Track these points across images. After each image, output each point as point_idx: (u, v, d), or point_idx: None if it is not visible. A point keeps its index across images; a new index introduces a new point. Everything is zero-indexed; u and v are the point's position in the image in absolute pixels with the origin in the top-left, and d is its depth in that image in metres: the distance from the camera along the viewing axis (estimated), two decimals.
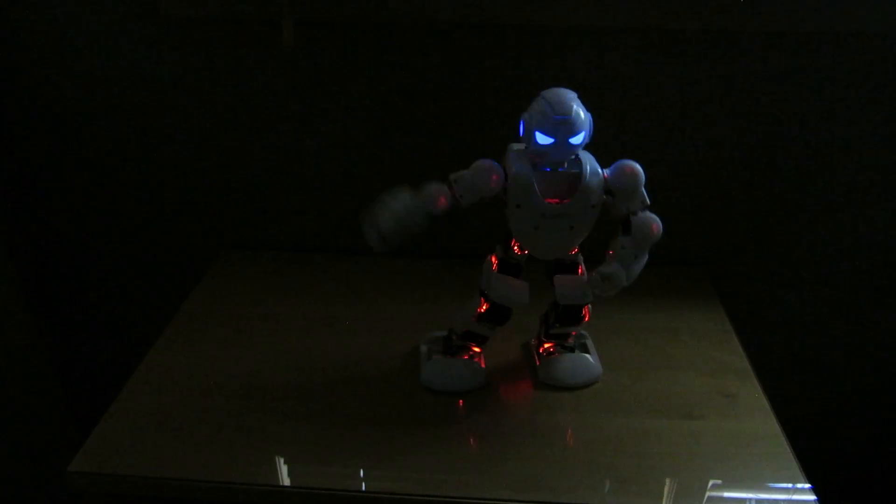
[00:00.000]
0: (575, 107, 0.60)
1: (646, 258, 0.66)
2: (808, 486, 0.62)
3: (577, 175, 0.63)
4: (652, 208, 0.64)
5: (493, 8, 0.79)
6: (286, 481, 0.63)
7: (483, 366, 0.74)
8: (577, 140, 0.61)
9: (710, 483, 0.63)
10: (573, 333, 0.75)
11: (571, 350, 0.75)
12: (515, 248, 0.68)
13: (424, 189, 0.64)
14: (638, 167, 0.64)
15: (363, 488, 0.62)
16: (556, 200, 0.63)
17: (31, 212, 0.98)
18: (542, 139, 0.61)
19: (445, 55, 0.84)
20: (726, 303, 0.87)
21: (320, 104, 0.88)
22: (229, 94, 0.88)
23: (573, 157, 0.63)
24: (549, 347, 0.75)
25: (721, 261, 0.95)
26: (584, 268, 0.69)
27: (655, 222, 0.64)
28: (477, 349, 0.75)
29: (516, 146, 0.65)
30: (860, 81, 0.83)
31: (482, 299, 0.69)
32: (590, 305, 0.69)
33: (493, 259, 0.69)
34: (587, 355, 0.75)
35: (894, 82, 0.83)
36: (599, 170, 0.64)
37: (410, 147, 0.89)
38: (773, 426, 0.68)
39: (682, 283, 0.91)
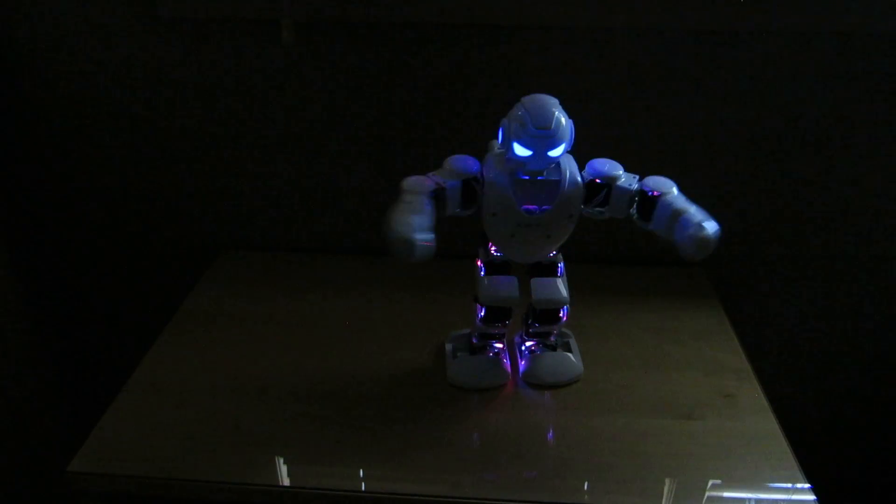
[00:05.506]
0: (556, 115, 0.57)
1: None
2: (808, 486, 0.62)
3: (557, 183, 0.61)
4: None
5: (494, 8, 0.79)
6: (286, 481, 0.62)
7: (507, 361, 0.74)
8: (556, 153, 0.58)
9: (710, 483, 0.63)
10: (554, 332, 0.74)
11: (553, 349, 0.74)
12: (493, 249, 0.67)
13: (407, 185, 0.61)
14: (610, 163, 0.62)
15: (363, 488, 0.62)
16: (534, 207, 0.61)
17: (30, 211, 0.98)
18: (519, 151, 0.58)
19: (447, 55, 0.84)
20: (726, 303, 0.87)
21: (320, 104, 0.88)
22: (229, 94, 0.88)
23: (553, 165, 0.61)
24: (531, 346, 0.74)
25: (721, 261, 0.95)
26: (562, 269, 0.68)
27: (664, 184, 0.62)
28: (499, 345, 0.74)
29: (498, 148, 0.63)
30: (861, 81, 0.83)
31: (477, 305, 0.69)
32: (567, 306, 0.68)
33: (479, 262, 0.68)
34: (569, 354, 0.74)
35: (894, 82, 0.83)
36: (579, 178, 0.62)
37: (411, 147, 0.89)
38: (773, 426, 0.68)
39: (682, 283, 0.90)
